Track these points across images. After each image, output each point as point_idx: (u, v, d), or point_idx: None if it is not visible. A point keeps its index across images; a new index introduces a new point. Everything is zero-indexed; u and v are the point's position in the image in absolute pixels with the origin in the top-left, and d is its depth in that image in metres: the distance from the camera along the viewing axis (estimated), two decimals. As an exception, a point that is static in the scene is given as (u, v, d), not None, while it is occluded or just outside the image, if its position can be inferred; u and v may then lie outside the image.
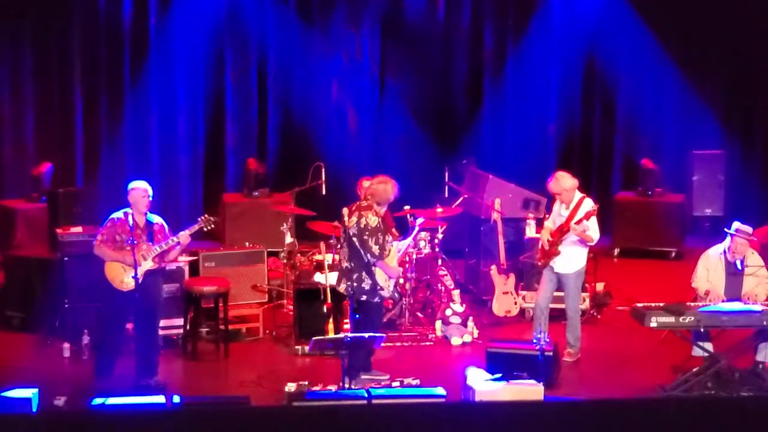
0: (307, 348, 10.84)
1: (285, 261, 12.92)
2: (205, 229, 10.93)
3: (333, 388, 10.27)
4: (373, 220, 10.77)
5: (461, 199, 13.77)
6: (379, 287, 10.79)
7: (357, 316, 10.86)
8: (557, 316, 11.96)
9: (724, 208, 15.83)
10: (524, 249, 13.26)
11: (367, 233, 10.74)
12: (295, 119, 16.68)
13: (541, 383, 10.12)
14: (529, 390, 10.01)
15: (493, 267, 12.99)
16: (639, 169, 16.50)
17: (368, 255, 10.75)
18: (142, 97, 16.18)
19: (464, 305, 12.52)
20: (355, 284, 10.84)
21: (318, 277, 12.01)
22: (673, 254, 15.94)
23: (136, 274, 10.46)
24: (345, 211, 11.22)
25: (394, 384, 10.66)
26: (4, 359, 11.67)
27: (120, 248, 10.52)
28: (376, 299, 10.84)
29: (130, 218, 10.53)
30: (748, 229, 11.04)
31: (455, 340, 12.23)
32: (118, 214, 10.63)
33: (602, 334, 12.63)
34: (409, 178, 15.20)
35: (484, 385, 10.06)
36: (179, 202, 16.42)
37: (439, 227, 13.08)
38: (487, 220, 13.45)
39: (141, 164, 16.15)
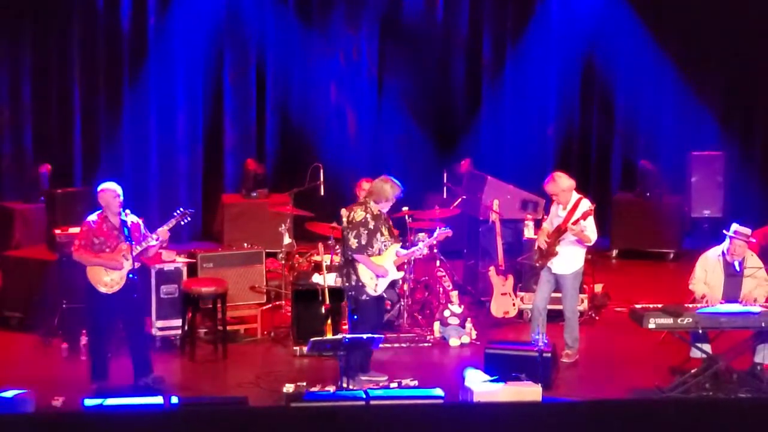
0: (305, 349, 10.84)
1: (283, 262, 12.92)
2: (182, 222, 10.87)
3: (331, 388, 10.27)
4: (359, 215, 10.79)
5: (459, 200, 13.78)
6: (361, 283, 10.78)
7: (355, 317, 10.86)
8: (555, 317, 11.96)
9: (723, 209, 15.84)
10: (522, 250, 13.26)
11: (349, 226, 10.79)
12: (293, 120, 16.69)
13: (539, 384, 10.13)
14: (527, 391, 10.01)
15: (492, 268, 12.99)
16: (637, 170, 16.51)
17: (346, 247, 10.79)
18: (141, 97, 16.18)
19: (462, 306, 12.52)
20: (343, 279, 10.91)
21: (316, 278, 12.01)
22: (672, 255, 15.94)
23: (135, 274, 10.46)
24: (344, 211, 11.22)
25: (392, 385, 10.66)
26: (3, 359, 11.66)
27: (99, 251, 10.49)
28: (363, 297, 10.83)
29: (113, 219, 10.47)
30: (747, 231, 11.04)
31: (453, 341, 12.23)
32: (92, 217, 10.58)
33: (600, 335, 12.63)
34: (407, 179, 15.16)
35: (482, 386, 10.06)
36: (178, 203, 16.39)
37: (438, 228, 13.07)
38: (486, 221, 13.45)
39: (140, 165, 16.16)
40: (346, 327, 11.39)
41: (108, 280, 10.46)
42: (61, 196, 13.54)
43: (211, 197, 16.42)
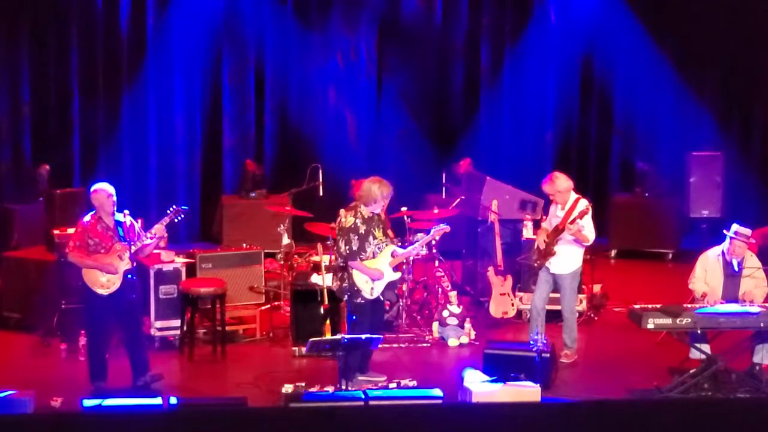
0: (304, 349, 10.84)
1: (282, 262, 12.91)
2: (175, 219, 10.85)
3: (330, 389, 10.25)
4: (348, 221, 10.77)
5: (458, 200, 13.78)
6: (356, 288, 10.77)
7: (354, 317, 10.85)
8: (554, 317, 11.96)
9: (721, 209, 15.84)
10: (521, 250, 13.25)
11: (340, 233, 10.77)
12: (292, 121, 16.69)
13: (538, 384, 10.13)
14: (526, 391, 10.01)
15: (490, 268, 12.99)
16: (636, 170, 16.52)
17: (337, 254, 10.78)
18: (140, 98, 16.18)
19: (461, 306, 12.51)
20: (338, 283, 10.89)
21: (315, 279, 12.00)
22: (670, 256, 15.95)
23: (134, 275, 10.45)
24: (342, 212, 11.22)
25: (391, 385, 10.65)
26: (2, 360, 11.66)
27: (95, 252, 10.48)
28: (359, 300, 10.82)
29: (108, 220, 10.46)
30: (747, 231, 11.04)
31: (452, 342, 12.23)
32: (87, 218, 10.57)
33: (599, 335, 12.63)
34: (406, 179, 15.23)
35: (481, 387, 10.06)
36: (177, 204, 16.34)
37: (434, 226, 13.06)
38: (485, 221, 13.45)
39: (138, 165, 16.16)
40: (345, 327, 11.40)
41: (104, 281, 10.46)
42: (60, 196, 13.55)
43: (210, 198, 16.42)
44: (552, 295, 11.70)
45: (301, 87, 16.63)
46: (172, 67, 16.30)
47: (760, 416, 6.64)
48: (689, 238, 16.15)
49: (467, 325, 12.38)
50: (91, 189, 10.62)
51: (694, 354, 10.85)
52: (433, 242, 12.97)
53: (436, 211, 13.19)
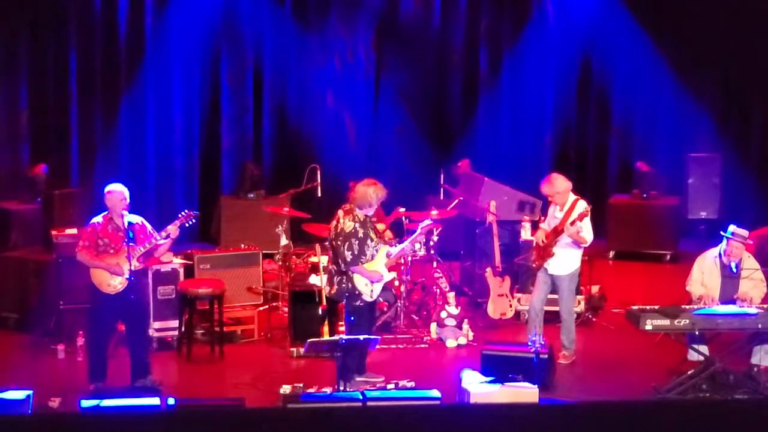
0: (302, 350, 10.84)
1: (280, 263, 12.91)
2: (186, 224, 10.88)
3: (328, 390, 10.26)
4: (348, 225, 10.73)
5: (456, 201, 13.78)
6: (357, 291, 10.76)
7: (352, 318, 10.85)
8: (552, 319, 11.96)
9: (719, 210, 15.85)
10: (519, 251, 13.26)
11: (340, 238, 10.72)
12: (290, 121, 16.69)
13: (536, 385, 10.12)
14: (524, 392, 10.00)
15: (488, 269, 12.99)
16: (634, 171, 16.52)
17: (340, 260, 10.74)
18: (138, 98, 16.17)
19: (459, 307, 12.52)
20: (337, 287, 10.84)
21: (313, 279, 12.00)
22: (668, 257, 15.96)
23: (131, 275, 10.44)
24: (340, 212, 11.22)
25: (389, 386, 10.65)
26: (0, 360, 11.66)
27: (103, 253, 10.49)
28: (358, 303, 10.81)
29: (118, 221, 10.47)
30: (745, 232, 11.04)
31: (450, 343, 12.23)
32: (98, 219, 10.60)
33: (597, 336, 12.63)
34: (404, 180, 15.24)
35: (479, 388, 10.05)
36: (175, 204, 16.40)
37: (435, 229, 13.08)
38: (483, 222, 13.46)
39: (136, 166, 16.15)
40: (342, 328, 11.39)
41: (114, 282, 10.45)
42: (58, 196, 13.53)
43: (208, 198, 16.41)
44: (550, 296, 11.70)
45: (299, 88, 16.63)
46: (170, 67, 16.29)
47: (758, 417, 6.64)
48: (687, 239, 16.15)
49: (465, 326, 12.39)
50: (105, 190, 10.66)
51: (692, 355, 10.86)
52: (432, 243, 12.98)
53: (434, 212, 13.19)
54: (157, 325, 11.92)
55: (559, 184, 11.49)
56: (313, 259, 12.30)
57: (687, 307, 10.83)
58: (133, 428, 6.98)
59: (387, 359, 11.74)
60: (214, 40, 16.35)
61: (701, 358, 10.76)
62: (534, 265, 11.65)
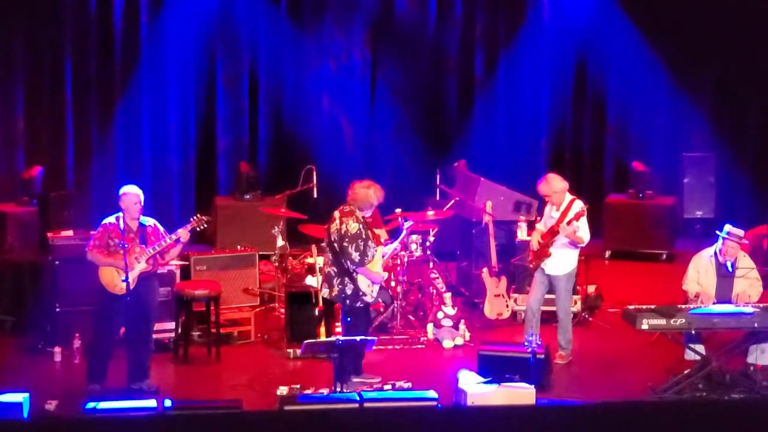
0: (298, 351, 10.82)
1: (276, 264, 12.91)
2: (198, 228, 10.91)
3: (325, 391, 10.26)
4: (353, 227, 10.72)
5: (452, 201, 13.78)
6: (361, 293, 10.76)
7: (348, 319, 10.85)
8: (549, 319, 11.97)
9: (715, 210, 15.87)
10: (516, 251, 13.27)
11: (346, 240, 10.70)
12: (286, 123, 16.68)
13: (533, 386, 10.12)
14: (520, 392, 10.01)
15: (485, 270, 12.99)
16: (630, 171, 16.53)
17: (347, 262, 10.73)
18: (134, 100, 16.16)
19: (456, 308, 12.52)
20: (337, 289, 10.82)
21: (309, 280, 12.01)
22: (664, 256, 15.96)
23: (126, 278, 10.43)
24: (336, 213, 11.22)
25: (386, 387, 10.66)
26: (-4, 363, 11.67)
27: (114, 253, 10.50)
28: (359, 304, 10.81)
29: (121, 222, 10.51)
30: (740, 231, 11.05)
31: (447, 343, 12.23)
32: (110, 219, 10.62)
33: (594, 336, 12.64)
34: (400, 180, 15.24)
35: (475, 388, 10.06)
36: (171, 205, 16.41)
37: (431, 230, 13.08)
38: (479, 222, 13.46)
39: (132, 167, 16.13)
40: (339, 329, 11.39)
41: (121, 284, 10.45)
42: (54, 199, 13.51)
43: (204, 199, 16.40)
44: (547, 296, 11.71)
45: (295, 89, 16.62)
46: (166, 68, 16.28)
47: (754, 417, 6.65)
48: (683, 238, 16.16)
49: (462, 326, 12.39)
50: (120, 191, 10.68)
51: (689, 354, 10.87)
52: (428, 243, 12.98)
53: (430, 212, 13.19)
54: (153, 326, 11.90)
55: (555, 184, 11.50)
56: (310, 260, 12.30)
57: (683, 306, 10.84)
58: (130, 431, 6.97)
59: (384, 360, 11.75)
60: (210, 42, 16.34)
61: (697, 357, 10.78)
62: (531, 266, 11.66)
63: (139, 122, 16.27)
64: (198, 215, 10.99)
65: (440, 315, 12.41)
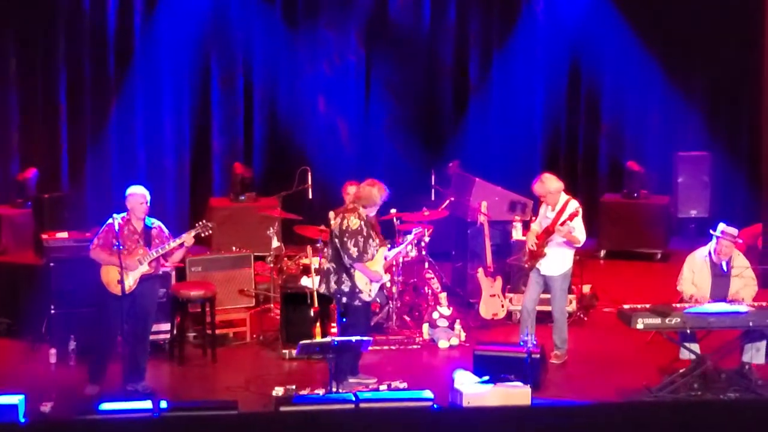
0: (294, 352, 10.84)
1: (272, 265, 12.91)
2: (202, 234, 10.94)
3: (320, 391, 10.26)
4: (354, 223, 10.77)
5: (448, 202, 13.78)
6: (358, 290, 10.77)
7: (344, 319, 10.85)
8: (544, 319, 11.98)
9: (710, 209, 15.87)
10: (511, 251, 13.28)
11: (346, 235, 10.75)
12: (281, 124, 16.67)
13: (528, 385, 10.14)
14: (516, 392, 10.02)
15: (480, 270, 13.00)
16: (624, 171, 16.54)
17: (346, 256, 10.76)
18: (128, 101, 16.15)
19: (451, 308, 12.52)
20: (335, 286, 10.85)
21: (305, 281, 12.01)
22: (659, 256, 15.98)
23: (122, 279, 10.43)
24: (331, 214, 11.23)
25: (382, 387, 10.66)
26: (-9, 365, 11.66)
27: (117, 253, 10.50)
28: (356, 302, 10.82)
29: (116, 224, 10.49)
30: (734, 230, 11.06)
31: (442, 343, 12.24)
32: (117, 219, 10.62)
33: (589, 335, 12.65)
34: (395, 181, 15.18)
35: (471, 388, 10.07)
36: (166, 207, 16.38)
37: (426, 230, 13.09)
38: (474, 223, 13.47)
39: (127, 169, 16.12)
40: (334, 330, 11.39)
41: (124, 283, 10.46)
42: (48, 200, 13.50)
43: (199, 201, 16.39)
44: (542, 296, 11.71)
45: (290, 90, 16.61)
46: (161, 69, 16.27)
47: (750, 416, 6.65)
48: (678, 238, 16.18)
49: (457, 326, 12.39)
50: (126, 192, 10.71)
51: (684, 354, 10.87)
52: (423, 243, 12.99)
53: (426, 213, 13.20)
54: (149, 328, 11.90)
55: (550, 184, 11.51)
56: (305, 261, 12.30)
57: (678, 305, 10.85)
58: (126, 432, 6.98)
59: (379, 360, 11.75)
60: (204, 41, 16.33)
61: (693, 356, 10.78)
62: (526, 266, 11.66)
63: (133, 124, 16.25)
64: (203, 221, 11.02)
65: (436, 315, 12.41)
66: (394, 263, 12.58)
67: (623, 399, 10.52)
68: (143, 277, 10.56)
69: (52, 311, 11.90)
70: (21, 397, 9.70)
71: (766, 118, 14.40)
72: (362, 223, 10.78)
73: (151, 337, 11.79)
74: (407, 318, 12.84)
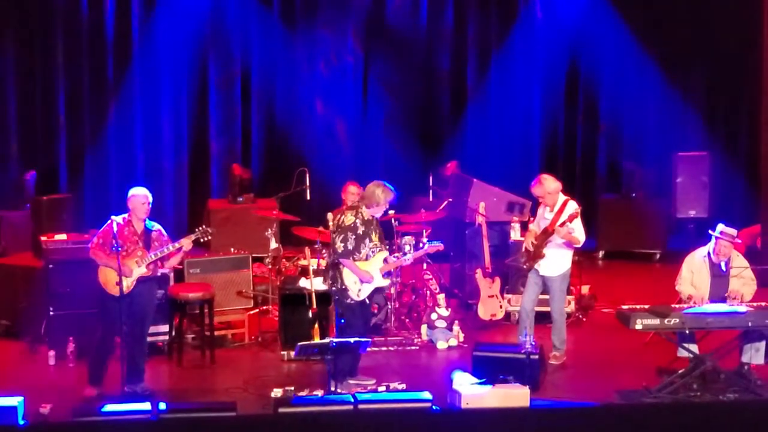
0: (292, 353, 10.83)
1: (270, 266, 12.90)
2: (201, 240, 10.93)
3: (319, 393, 10.26)
4: (348, 219, 10.78)
5: (446, 203, 13.78)
6: (344, 287, 10.77)
7: (342, 320, 10.85)
8: (543, 319, 11.98)
9: (708, 209, 15.89)
10: (509, 252, 13.28)
11: (338, 230, 10.77)
12: (279, 125, 16.69)
13: (527, 386, 10.13)
14: (514, 393, 10.01)
15: (478, 270, 13.00)
16: (623, 171, 16.55)
17: (332, 251, 10.78)
18: (126, 103, 16.17)
19: (450, 309, 12.52)
20: (329, 281, 10.91)
21: (303, 282, 12.00)
22: (658, 256, 15.99)
23: (120, 281, 10.42)
24: (329, 215, 11.23)
25: (380, 388, 10.66)
26: (-10, 367, 11.65)
27: (115, 253, 10.49)
28: (348, 300, 10.82)
29: (114, 225, 10.49)
30: (733, 231, 11.05)
31: (441, 344, 12.24)
32: (117, 219, 10.62)
33: (588, 336, 12.65)
34: (393, 182, 15.18)
35: (470, 389, 10.06)
36: (164, 208, 16.39)
37: (424, 231, 13.09)
38: (472, 223, 13.47)
39: (125, 171, 16.14)
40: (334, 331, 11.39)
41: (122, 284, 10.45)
42: (47, 202, 13.50)
43: (197, 202, 16.40)
44: (541, 296, 11.71)
45: (287, 91, 16.64)
46: (159, 71, 16.29)
47: (750, 417, 6.66)
48: (676, 238, 16.19)
49: (456, 327, 12.39)
50: (129, 193, 10.70)
51: (683, 354, 10.87)
52: (421, 245, 12.97)
53: (423, 214, 13.19)
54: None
55: (549, 185, 11.50)
56: (303, 262, 12.29)
57: (677, 306, 10.85)
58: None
59: (378, 361, 11.74)
60: (202, 42, 16.35)
61: (691, 357, 10.78)
62: (525, 267, 11.66)
63: (132, 126, 16.27)
64: (203, 227, 11.02)
65: (434, 316, 12.41)
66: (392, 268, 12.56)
67: (622, 400, 10.51)
68: (141, 279, 10.56)
69: (51, 313, 11.89)
70: (20, 398, 9.69)
71: (764, 119, 14.41)
72: (357, 221, 10.77)
73: (150, 339, 11.79)
74: (406, 319, 12.84)
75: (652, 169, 16.42)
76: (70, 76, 16.02)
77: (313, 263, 11.82)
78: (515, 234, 13.36)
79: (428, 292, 12.93)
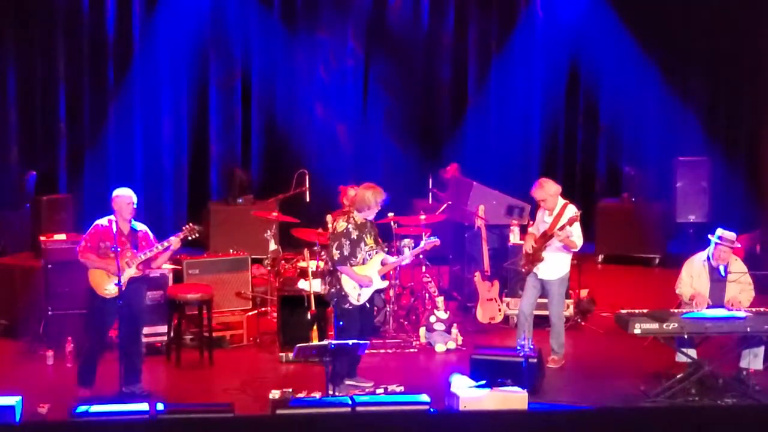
0: (291, 355, 10.83)
1: (269, 268, 12.91)
2: (189, 237, 10.89)
3: (317, 395, 10.24)
4: (340, 226, 10.78)
5: (445, 205, 13.78)
6: (344, 292, 10.77)
7: (341, 323, 10.85)
8: (541, 323, 11.97)
9: (708, 214, 15.89)
10: (508, 256, 13.28)
11: (332, 237, 10.78)
12: (279, 127, 16.69)
13: (526, 390, 10.12)
14: (513, 397, 10.00)
15: (477, 274, 13.00)
16: (622, 175, 16.55)
17: (330, 259, 10.78)
18: (126, 105, 16.17)
19: (448, 312, 12.52)
20: (327, 287, 10.91)
21: (302, 284, 12.00)
22: (657, 261, 15.99)
23: (119, 281, 10.41)
24: (329, 217, 11.22)
25: (378, 391, 10.65)
26: (-12, 367, 11.65)
27: (104, 255, 10.49)
28: (346, 305, 10.81)
29: (114, 225, 10.50)
30: (732, 235, 11.06)
31: (439, 347, 12.23)
32: (102, 221, 10.61)
33: (586, 340, 12.65)
34: (393, 184, 15.20)
35: (468, 392, 10.05)
36: (163, 210, 16.41)
37: (424, 234, 13.08)
38: (471, 227, 13.47)
39: (125, 171, 16.13)
40: (331, 333, 11.38)
41: (111, 286, 10.43)
42: (47, 203, 13.50)
43: (197, 204, 16.40)
44: (539, 300, 11.71)
45: (288, 93, 16.64)
46: (159, 72, 16.29)
47: (748, 422, 6.66)
48: (676, 242, 16.19)
49: (454, 330, 12.39)
50: (113, 194, 10.66)
51: (681, 359, 10.87)
52: (421, 251, 12.98)
53: (422, 216, 13.19)
54: (145, 330, 11.83)
55: (548, 189, 11.51)
56: (302, 264, 12.29)
57: (676, 310, 10.85)
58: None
59: (376, 364, 11.74)
60: (202, 44, 16.36)
61: (690, 361, 10.77)
62: (524, 270, 11.65)
63: (132, 127, 16.27)
64: (190, 224, 10.96)
65: (433, 319, 12.40)
66: (391, 269, 12.56)
67: (620, 404, 10.50)
68: (131, 280, 10.54)
69: (50, 313, 11.91)
70: (18, 398, 9.69)
71: (764, 124, 14.42)
72: (350, 226, 10.77)
73: (149, 339, 11.81)
74: (404, 321, 12.84)
75: (652, 174, 16.43)
76: (70, 77, 16.02)
77: (312, 265, 11.81)
78: (514, 237, 13.35)
79: (427, 294, 12.92)
